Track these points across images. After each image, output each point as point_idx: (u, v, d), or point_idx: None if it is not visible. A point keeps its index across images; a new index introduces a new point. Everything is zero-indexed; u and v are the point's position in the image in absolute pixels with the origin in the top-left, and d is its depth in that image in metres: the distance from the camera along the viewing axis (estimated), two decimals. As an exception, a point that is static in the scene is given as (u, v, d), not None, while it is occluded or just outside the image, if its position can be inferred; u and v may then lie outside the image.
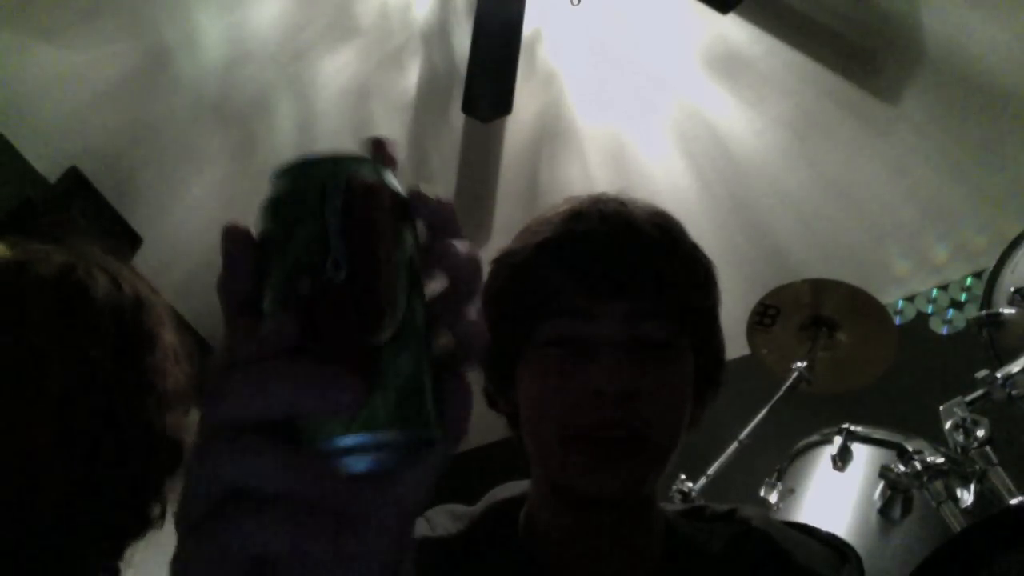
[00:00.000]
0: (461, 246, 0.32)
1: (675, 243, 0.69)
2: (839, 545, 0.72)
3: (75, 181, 2.37)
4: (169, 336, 0.75)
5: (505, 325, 0.70)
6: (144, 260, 2.44)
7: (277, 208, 0.31)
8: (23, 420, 0.63)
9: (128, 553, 0.70)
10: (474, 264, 0.32)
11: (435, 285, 0.33)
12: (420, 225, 0.33)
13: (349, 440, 0.28)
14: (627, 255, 0.66)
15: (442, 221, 0.33)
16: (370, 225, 0.30)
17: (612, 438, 0.63)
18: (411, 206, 0.32)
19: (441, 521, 0.73)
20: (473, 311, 0.32)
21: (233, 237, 0.31)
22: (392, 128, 2.46)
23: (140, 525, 0.69)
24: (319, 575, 0.29)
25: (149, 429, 0.69)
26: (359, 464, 0.29)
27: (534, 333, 0.67)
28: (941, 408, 1.22)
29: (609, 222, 0.68)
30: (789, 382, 1.80)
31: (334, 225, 0.29)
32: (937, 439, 1.30)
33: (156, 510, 0.71)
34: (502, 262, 0.72)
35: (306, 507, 0.27)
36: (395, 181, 0.32)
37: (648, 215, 0.69)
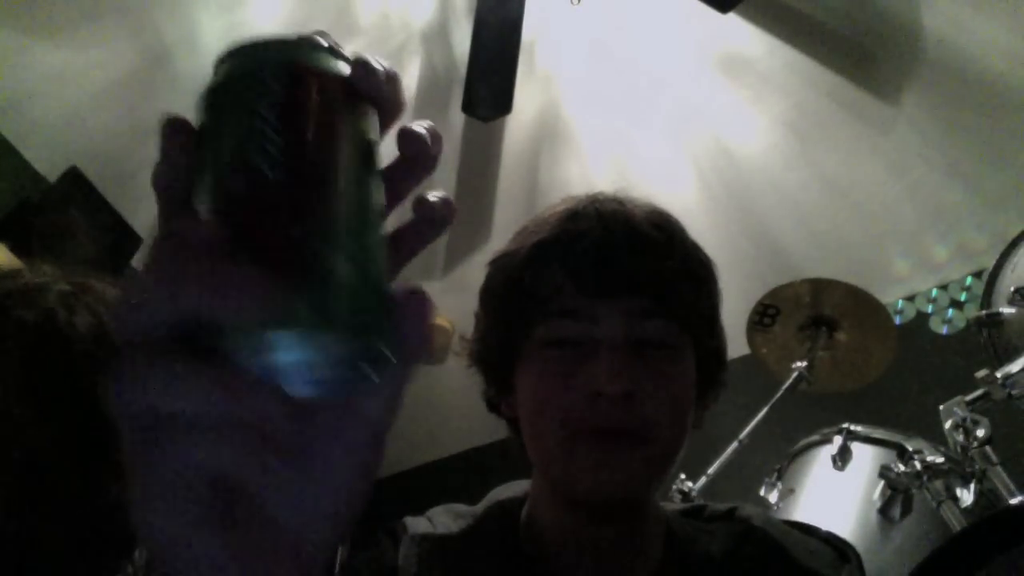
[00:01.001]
0: (414, 123, 0.31)
1: (674, 242, 0.69)
2: (839, 544, 0.72)
3: (75, 181, 2.37)
4: None
5: (503, 327, 0.70)
6: (144, 260, 2.44)
7: (215, 96, 0.28)
8: None
9: None
10: (420, 135, 0.31)
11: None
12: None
13: (271, 350, 0.25)
14: (625, 254, 0.66)
15: (390, 102, 0.31)
16: (309, 116, 0.28)
17: (615, 434, 0.63)
18: (361, 93, 0.29)
19: (443, 520, 0.73)
20: (422, 181, 0.31)
21: (172, 128, 0.28)
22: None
23: None
24: (276, 500, 0.28)
25: (111, 514, 0.63)
26: (296, 382, 0.26)
27: (533, 334, 0.67)
28: (941, 408, 1.22)
29: (607, 221, 0.67)
30: (789, 382, 1.80)
31: (269, 115, 0.27)
32: (937, 439, 1.31)
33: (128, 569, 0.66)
34: (499, 263, 0.72)
35: (231, 429, 0.25)
36: (345, 69, 0.29)
37: (646, 214, 0.69)
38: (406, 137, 0.31)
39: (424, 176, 0.32)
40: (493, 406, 0.75)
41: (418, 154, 0.31)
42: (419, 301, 0.29)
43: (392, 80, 0.30)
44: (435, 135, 0.32)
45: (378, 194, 0.29)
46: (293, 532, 0.29)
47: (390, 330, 0.28)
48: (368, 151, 0.29)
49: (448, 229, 0.32)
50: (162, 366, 0.25)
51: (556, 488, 0.68)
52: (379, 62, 0.30)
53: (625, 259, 0.66)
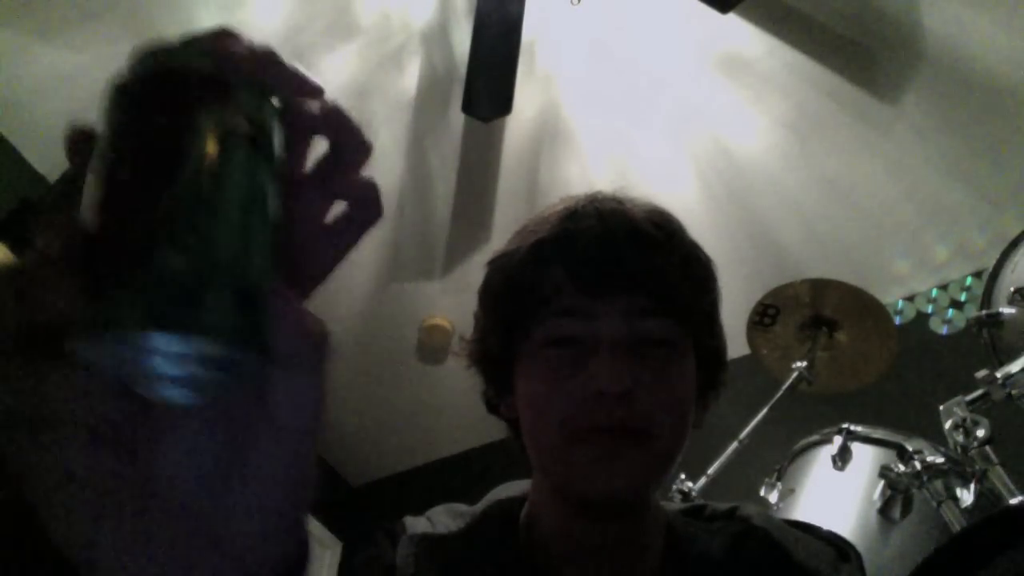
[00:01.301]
0: (322, 106, 0.30)
1: (673, 240, 0.69)
2: (840, 543, 0.72)
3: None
4: None
5: (503, 327, 0.70)
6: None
7: (104, 105, 0.29)
8: None
9: None
10: (339, 117, 0.30)
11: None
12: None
13: (86, 344, 0.25)
14: (624, 253, 0.65)
15: (292, 88, 0.30)
16: (149, 116, 0.27)
17: (615, 432, 0.63)
18: (240, 84, 0.28)
19: (442, 519, 0.73)
20: (360, 171, 0.30)
21: (71, 137, 0.29)
22: (392, 128, 2.47)
23: None
24: (184, 496, 0.28)
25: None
26: (153, 383, 0.26)
27: (532, 334, 0.67)
28: (941, 408, 1.22)
29: (606, 220, 0.67)
30: (789, 382, 1.80)
31: (117, 121, 0.27)
32: (937, 439, 1.30)
33: None
34: (498, 263, 0.72)
35: (65, 425, 0.25)
36: (203, 65, 0.28)
37: (646, 213, 0.69)
38: (324, 119, 0.30)
39: (359, 160, 0.31)
40: (492, 407, 0.75)
41: (340, 135, 0.30)
42: (286, 299, 0.28)
43: (258, 58, 0.29)
44: (349, 115, 0.30)
45: (255, 186, 0.28)
46: (210, 529, 0.28)
47: (255, 332, 0.27)
48: (240, 142, 0.28)
49: (379, 215, 0.31)
50: (11, 369, 0.25)
51: (557, 488, 0.68)
52: (242, 44, 0.29)
53: (625, 257, 0.65)
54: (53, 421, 0.25)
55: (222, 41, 0.29)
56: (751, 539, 0.68)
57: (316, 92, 0.30)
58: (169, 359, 0.26)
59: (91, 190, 0.27)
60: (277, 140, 0.29)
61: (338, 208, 0.31)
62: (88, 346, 0.25)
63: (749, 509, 0.73)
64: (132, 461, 0.27)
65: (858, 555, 0.70)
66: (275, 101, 0.29)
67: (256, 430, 0.29)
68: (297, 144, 0.30)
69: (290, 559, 0.31)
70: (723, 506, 0.75)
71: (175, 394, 0.27)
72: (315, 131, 0.30)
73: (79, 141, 0.28)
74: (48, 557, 0.27)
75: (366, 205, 0.31)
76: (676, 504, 0.80)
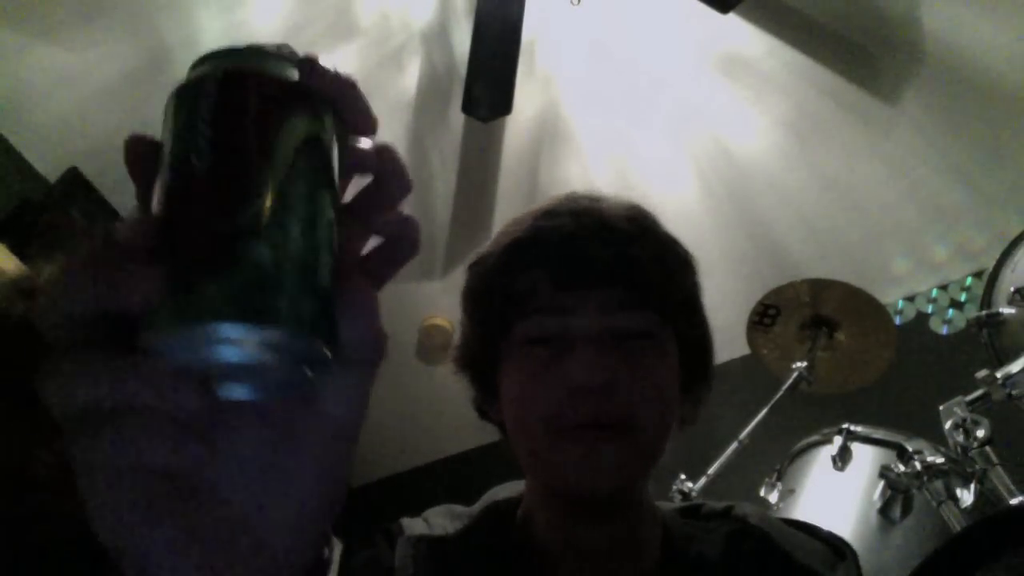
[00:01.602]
0: (372, 142, 0.30)
1: (647, 234, 0.69)
2: (836, 542, 0.72)
3: (75, 181, 2.37)
4: None
5: (484, 328, 0.70)
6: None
7: (172, 101, 0.30)
8: None
9: None
10: (391, 158, 0.31)
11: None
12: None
13: (169, 332, 0.26)
14: (596, 247, 0.65)
15: (354, 115, 0.31)
16: (239, 115, 0.28)
17: (597, 428, 0.62)
18: (317, 100, 0.30)
19: (439, 520, 0.73)
20: (400, 207, 0.31)
21: (131, 146, 0.29)
22: (392, 128, 2.46)
23: None
24: (231, 494, 0.28)
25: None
26: (225, 376, 0.27)
27: (512, 334, 0.67)
28: (941, 408, 1.22)
29: (579, 217, 0.67)
30: (789, 382, 1.80)
31: (201, 114, 0.28)
32: (937, 439, 1.30)
33: None
34: (476, 266, 0.72)
35: (150, 420, 0.26)
36: (293, 74, 0.30)
37: (619, 209, 0.69)
38: (377, 155, 0.30)
39: (400, 197, 0.31)
40: (483, 412, 0.75)
41: (388, 172, 0.31)
42: (362, 299, 0.29)
43: (342, 83, 0.30)
44: (398, 153, 0.31)
45: (323, 192, 0.29)
46: (254, 528, 0.29)
47: (328, 328, 0.28)
48: (314, 152, 0.29)
49: (416, 252, 0.32)
50: (79, 358, 0.26)
51: (545, 487, 0.68)
52: (331, 68, 0.30)
53: (596, 250, 0.65)
54: (127, 412, 0.26)
55: (309, 57, 0.30)
56: (748, 538, 0.68)
57: (373, 127, 0.31)
58: (244, 348, 0.26)
59: (165, 181, 0.28)
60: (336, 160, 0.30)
61: (374, 241, 0.32)
62: (168, 336, 0.26)
63: (745, 508, 0.73)
64: (194, 454, 0.27)
65: (854, 554, 0.70)
66: (339, 124, 0.31)
67: (305, 428, 0.29)
68: (344, 173, 0.31)
69: (318, 562, 0.31)
70: (719, 505, 0.75)
71: (242, 391, 0.28)
72: (364, 165, 0.30)
73: (140, 150, 0.29)
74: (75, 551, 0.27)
75: (404, 240, 0.31)
76: (672, 503, 0.80)
